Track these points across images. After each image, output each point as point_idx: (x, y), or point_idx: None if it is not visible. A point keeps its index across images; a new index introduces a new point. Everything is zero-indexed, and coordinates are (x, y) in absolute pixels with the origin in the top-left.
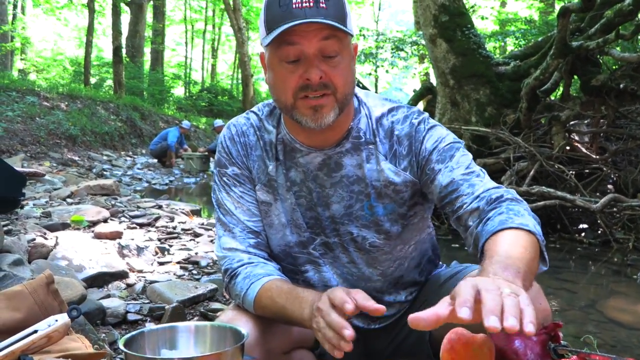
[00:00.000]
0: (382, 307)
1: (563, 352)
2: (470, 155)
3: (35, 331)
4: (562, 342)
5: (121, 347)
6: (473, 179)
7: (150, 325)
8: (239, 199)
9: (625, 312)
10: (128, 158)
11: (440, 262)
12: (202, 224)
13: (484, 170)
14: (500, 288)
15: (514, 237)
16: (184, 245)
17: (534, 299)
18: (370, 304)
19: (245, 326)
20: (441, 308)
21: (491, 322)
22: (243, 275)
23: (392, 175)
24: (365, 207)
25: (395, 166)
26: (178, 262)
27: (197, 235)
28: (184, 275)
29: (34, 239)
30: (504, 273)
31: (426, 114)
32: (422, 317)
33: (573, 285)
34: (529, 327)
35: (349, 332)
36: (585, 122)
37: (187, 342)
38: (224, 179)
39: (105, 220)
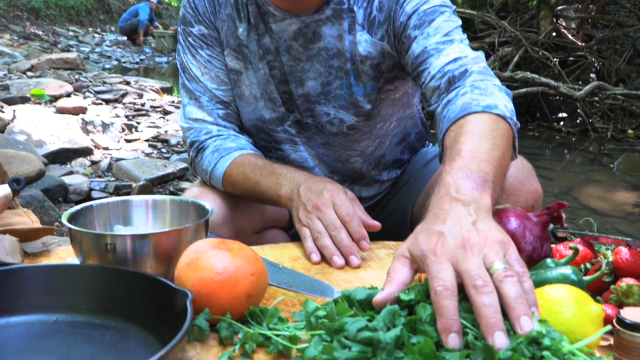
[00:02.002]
0: (378, 224)
1: (565, 235)
2: (458, 22)
3: None
4: (565, 224)
5: (64, 221)
6: (447, 49)
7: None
8: (206, 63)
9: (599, 199)
10: (96, 35)
11: (428, 142)
12: (173, 101)
13: (466, 39)
14: (487, 262)
15: (479, 126)
16: (153, 123)
17: (525, 180)
18: (369, 220)
19: (211, 204)
20: (402, 274)
21: (498, 342)
22: (212, 148)
23: (369, 47)
24: (344, 86)
25: (372, 36)
26: (146, 140)
27: (167, 113)
28: (153, 153)
29: None
30: (469, 184)
31: None
32: (390, 296)
33: (549, 172)
34: (535, 314)
35: (357, 260)
36: (574, 7)
37: (143, 217)
38: (190, 39)
39: (68, 95)
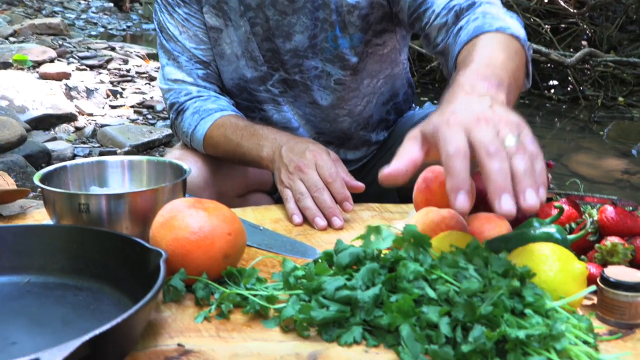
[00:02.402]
0: (362, 185)
1: (550, 195)
2: None
3: None
4: (550, 185)
5: (36, 182)
6: None
7: None
8: (184, 22)
9: (589, 167)
10: (81, 1)
11: (415, 105)
12: (159, 67)
13: None
14: (500, 134)
15: (494, 41)
16: (139, 89)
17: None
18: (352, 181)
19: (193, 166)
20: (413, 151)
21: (505, 205)
22: (192, 110)
23: None
24: (330, 39)
25: None
26: (132, 106)
27: (152, 79)
28: (138, 119)
29: None
30: (484, 84)
31: None
32: (398, 171)
33: (539, 140)
34: (541, 193)
35: (339, 222)
36: None
37: (119, 178)
38: None
39: (51, 61)
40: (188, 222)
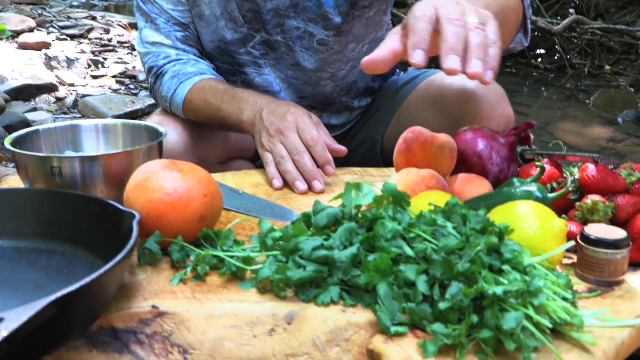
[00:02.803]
0: (344, 148)
1: (532, 156)
2: None
3: None
4: (533, 146)
5: (7, 145)
6: None
7: None
8: None
9: (575, 135)
10: None
11: (399, 70)
12: None
13: None
14: (465, 15)
15: None
16: (121, 59)
17: (497, 104)
18: (334, 145)
19: (173, 132)
20: (394, 42)
21: (450, 63)
22: (171, 74)
23: None
24: None
25: None
26: (114, 77)
27: (135, 49)
28: (121, 89)
29: None
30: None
31: None
32: (378, 58)
33: (526, 109)
34: (488, 76)
35: (320, 185)
36: None
37: (94, 142)
38: None
39: (30, 30)
40: (162, 183)
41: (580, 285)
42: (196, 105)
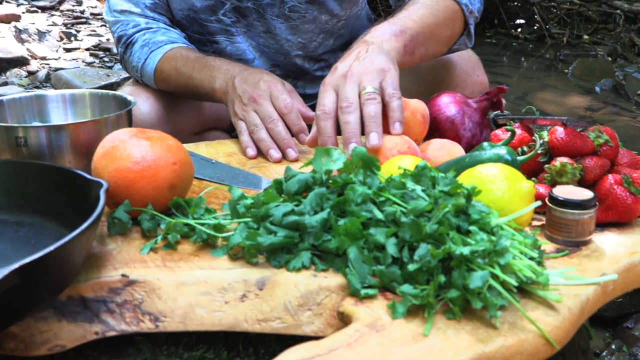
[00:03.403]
0: None
1: (504, 121)
2: None
3: None
4: (504, 111)
5: None
6: None
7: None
8: None
9: (553, 104)
10: None
11: None
12: None
13: None
14: (361, 85)
15: (425, 3)
16: (94, 31)
17: (471, 71)
18: (308, 112)
19: (145, 103)
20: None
21: (351, 148)
22: (141, 42)
23: None
24: None
25: None
26: (87, 49)
27: None
28: (95, 62)
29: None
30: (382, 31)
31: None
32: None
33: (506, 78)
34: (396, 128)
35: (294, 153)
36: None
37: (61, 113)
38: None
39: None
40: (130, 151)
41: (548, 246)
42: (167, 74)
